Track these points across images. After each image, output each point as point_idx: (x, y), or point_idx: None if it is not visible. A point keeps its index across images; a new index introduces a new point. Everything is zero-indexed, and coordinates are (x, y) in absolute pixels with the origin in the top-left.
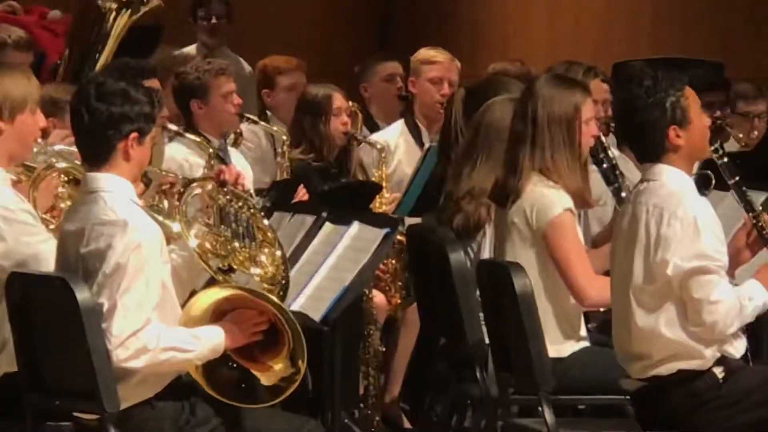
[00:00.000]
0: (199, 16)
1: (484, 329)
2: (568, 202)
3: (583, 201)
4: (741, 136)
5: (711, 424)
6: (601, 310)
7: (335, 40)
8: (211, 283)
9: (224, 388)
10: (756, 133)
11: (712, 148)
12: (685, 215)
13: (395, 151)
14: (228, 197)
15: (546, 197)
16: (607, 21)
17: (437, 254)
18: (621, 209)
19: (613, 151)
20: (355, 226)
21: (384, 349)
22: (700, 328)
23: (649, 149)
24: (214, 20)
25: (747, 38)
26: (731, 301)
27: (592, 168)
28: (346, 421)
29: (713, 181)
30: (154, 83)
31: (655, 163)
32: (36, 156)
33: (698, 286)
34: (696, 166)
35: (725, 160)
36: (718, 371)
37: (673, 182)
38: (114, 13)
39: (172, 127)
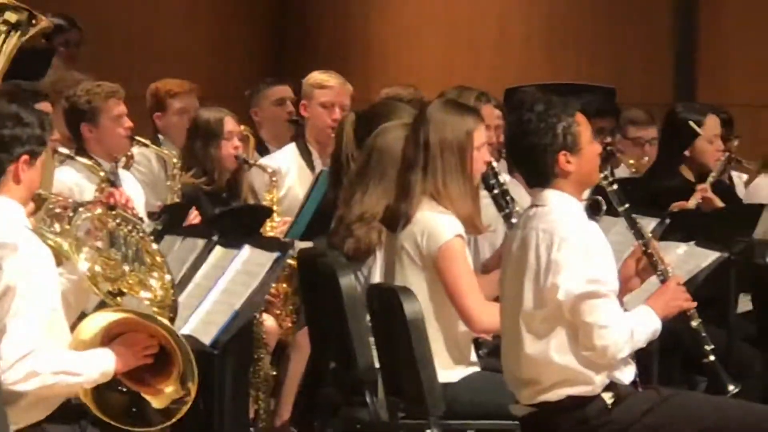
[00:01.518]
0: (58, 42)
1: (375, 354)
2: (458, 227)
3: (473, 227)
4: (632, 161)
5: None
6: (491, 336)
7: (228, 64)
8: (101, 306)
9: (115, 412)
10: (647, 158)
11: (602, 174)
12: (575, 240)
13: (286, 175)
14: (118, 221)
15: (437, 223)
16: (501, 46)
17: (328, 278)
18: (510, 234)
19: (504, 177)
20: (246, 250)
21: (274, 373)
22: (591, 353)
23: (539, 174)
24: (71, 47)
25: (638, 64)
26: (622, 326)
27: (484, 193)
28: None
29: (604, 207)
30: (45, 106)
31: (544, 189)
32: None
33: (589, 311)
34: (587, 191)
35: (615, 187)
36: (607, 397)
37: (562, 207)
38: (3, 35)
39: (63, 150)
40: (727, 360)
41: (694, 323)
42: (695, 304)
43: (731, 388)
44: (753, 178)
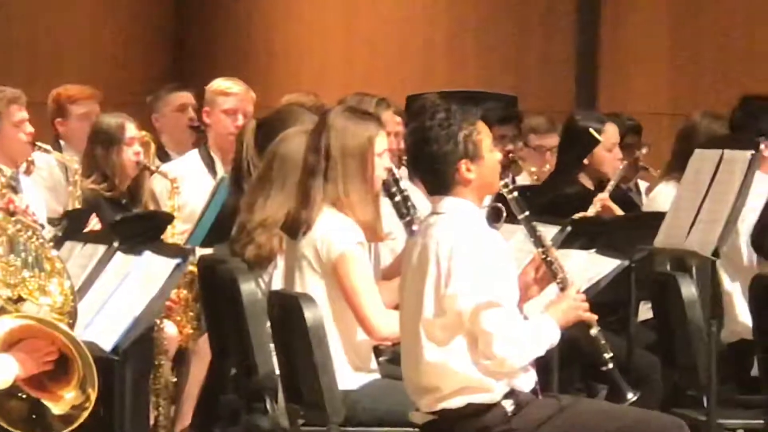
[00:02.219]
0: None
1: (275, 360)
2: (359, 234)
3: (374, 234)
4: (533, 169)
5: None
6: (391, 343)
7: (130, 70)
8: (0, 312)
9: (14, 419)
10: (548, 166)
11: (502, 182)
12: (475, 249)
13: (188, 181)
14: (17, 227)
15: (337, 231)
16: (402, 53)
17: (228, 285)
18: (411, 242)
19: (406, 184)
20: (147, 256)
21: (175, 380)
22: (491, 362)
23: (440, 182)
24: None
25: (540, 72)
26: (521, 335)
27: (385, 200)
28: None
29: (504, 215)
30: None
31: (445, 196)
32: None
33: (488, 319)
34: (488, 199)
35: (515, 194)
36: (508, 405)
37: (463, 216)
38: None
39: None
40: (627, 368)
41: (593, 331)
42: (595, 317)
43: (630, 395)
44: (654, 186)
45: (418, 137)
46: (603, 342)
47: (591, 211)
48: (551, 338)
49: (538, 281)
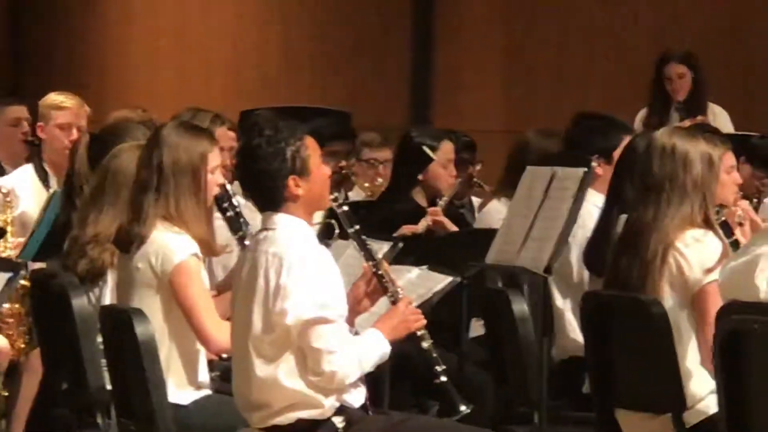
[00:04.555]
0: None
1: (107, 375)
2: (193, 247)
3: (208, 249)
4: (367, 185)
5: None
6: (224, 356)
7: None
8: None
9: None
10: (381, 180)
11: (332, 197)
12: (304, 265)
13: (21, 195)
14: None
15: (171, 244)
16: (236, 70)
17: (60, 299)
18: (241, 257)
19: (239, 199)
20: None
21: (6, 394)
22: (319, 378)
23: (269, 198)
24: None
25: (373, 88)
26: (350, 351)
27: (217, 215)
28: None
29: (336, 230)
30: None
31: (275, 213)
32: None
33: (317, 336)
34: (320, 214)
35: (344, 209)
36: (338, 421)
37: (292, 232)
38: None
39: None
40: (459, 384)
41: (425, 344)
42: (425, 322)
43: (463, 408)
44: (486, 203)
45: (246, 155)
46: (435, 355)
47: (422, 225)
48: (381, 353)
49: (369, 295)
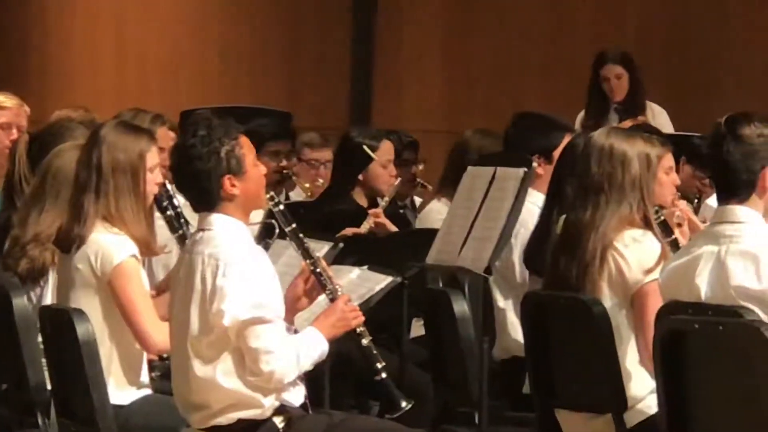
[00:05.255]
0: None
1: (47, 375)
2: (132, 248)
3: (148, 248)
4: (307, 185)
5: None
6: (165, 356)
7: None
8: None
9: None
10: (321, 181)
11: (268, 196)
12: (240, 265)
13: None
14: None
15: (110, 245)
16: (175, 70)
17: (1, 299)
18: (179, 258)
19: (179, 199)
20: None
21: None
22: (257, 378)
23: (205, 199)
24: None
25: (313, 89)
26: (288, 350)
27: (158, 215)
28: None
29: (276, 230)
30: None
31: (211, 213)
32: None
33: (255, 336)
34: (260, 214)
35: (281, 207)
36: (278, 420)
37: (228, 232)
38: None
39: None
40: (400, 384)
41: (364, 341)
42: (363, 319)
43: (404, 404)
44: (427, 203)
45: (181, 155)
46: (375, 352)
47: (364, 227)
48: (320, 351)
49: (307, 292)
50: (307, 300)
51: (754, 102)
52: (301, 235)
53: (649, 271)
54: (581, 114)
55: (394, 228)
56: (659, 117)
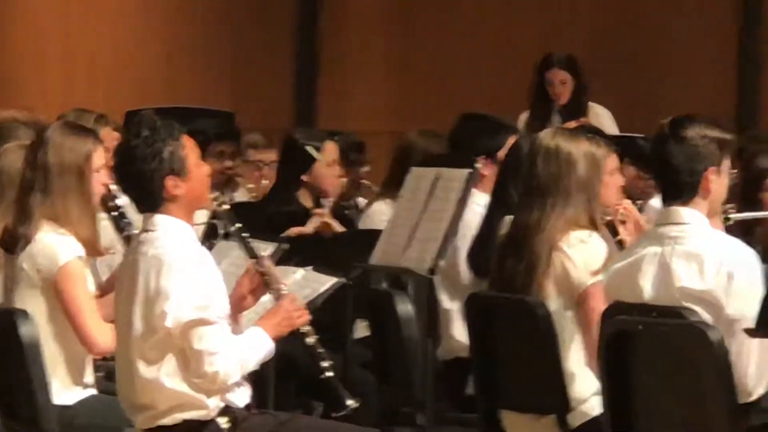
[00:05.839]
0: None
1: None
2: (78, 249)
3: (93, 249)
4: (252, 186)
5: None
6: (110, 357)
7: None
8: None
9: None
10: (266, 181)
11: (213, 196)
12: (183, 266)
13: None
14: None
15: (56, 245)
16: (119, 70)
17: None
18: (123, 258)
19: (123, 199)
20: None
21: None
22: (202, 380)
23: (148, 199)
24: None
25: (258, 89)
26: (232, 351)
27: (103, 215)
28: None
29: (221, 231)
30: None
31: (154, 213)
32: None
33: (198, 338)
34: (204, 214)
35: (225, 207)
36: (223, 421)
37: (172, 233)
38: None
39: None
40: (344, 385)
41: (310, 340)
42: (309, 318)
43: (350, 402)
44: (372, 204)
45: (123, 156)
46: (320, 350)
47: (309, 227)
48: (265, 351)
49: (252, 292)
50: (252, 299)
51: (698, 104)
52: (245, 234)
53: (595, 273)
54: (524, 115)
55: (340, 227)
56: (602, 118)
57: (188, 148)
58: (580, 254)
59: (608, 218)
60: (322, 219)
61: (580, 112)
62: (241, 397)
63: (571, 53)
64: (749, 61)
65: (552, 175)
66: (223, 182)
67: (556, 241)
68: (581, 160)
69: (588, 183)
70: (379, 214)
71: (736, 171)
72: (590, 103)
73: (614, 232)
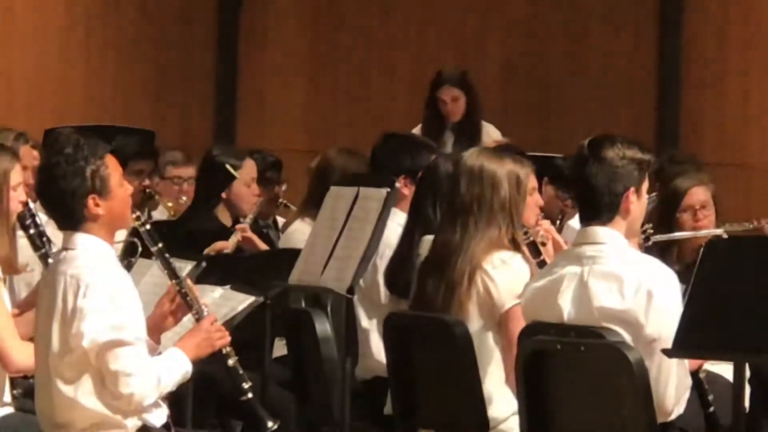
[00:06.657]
0: None
1: None
2: None
3: (10, 266)
4: (170, 204)
5: None
6: (28, 376)
7: None
8: None
9: None
10: (184, 198)
11: (134, 215)
12: (102, 286)
13: None
14: None
15: None
16: (38, 87)
17: None
18: (42, 277)
19: (42, 217)
20: None
21: None
22: (118, 400)
23: (69, 218)
24: None
25: (177, 107)
26: (148, 373)
27: (20, 233)
28: None
29: (140, 249)
30: None
31: (75, 232)
32: None
33: (114, 359)
34: (125, 232)
35: (147, 227)
36: None
37: (91, 252)
38: None
39: None
40: (263, 404)
41: (230, 361)
42: (229, 339)
43: (270, 424)
44: (290, 223)
45: (45, 174)
46: (241, 372)
47: (232, 241)
48: (182, 372)
49: (173, 312)
50: (172, 320)
51: (615, 124)
52: (167, 255)
53: (518, 296)
54: (416, 129)
55: (262, 244)
56: (494, 137)
57: (111, 168)
58: (503, 276)
59: (530, 239)
60: (245, 234)
61: (473, 131)
62: (159, 417)
63: (464, 69)
64: (669, 82)
65: (476, 195)
66: (142, 201)
67: (478, 262)
68: (505, 180)
69: (511, 202)
70: (298, 232)
71: (654, 194)
72: (483, 123)
73: (535, 253)
